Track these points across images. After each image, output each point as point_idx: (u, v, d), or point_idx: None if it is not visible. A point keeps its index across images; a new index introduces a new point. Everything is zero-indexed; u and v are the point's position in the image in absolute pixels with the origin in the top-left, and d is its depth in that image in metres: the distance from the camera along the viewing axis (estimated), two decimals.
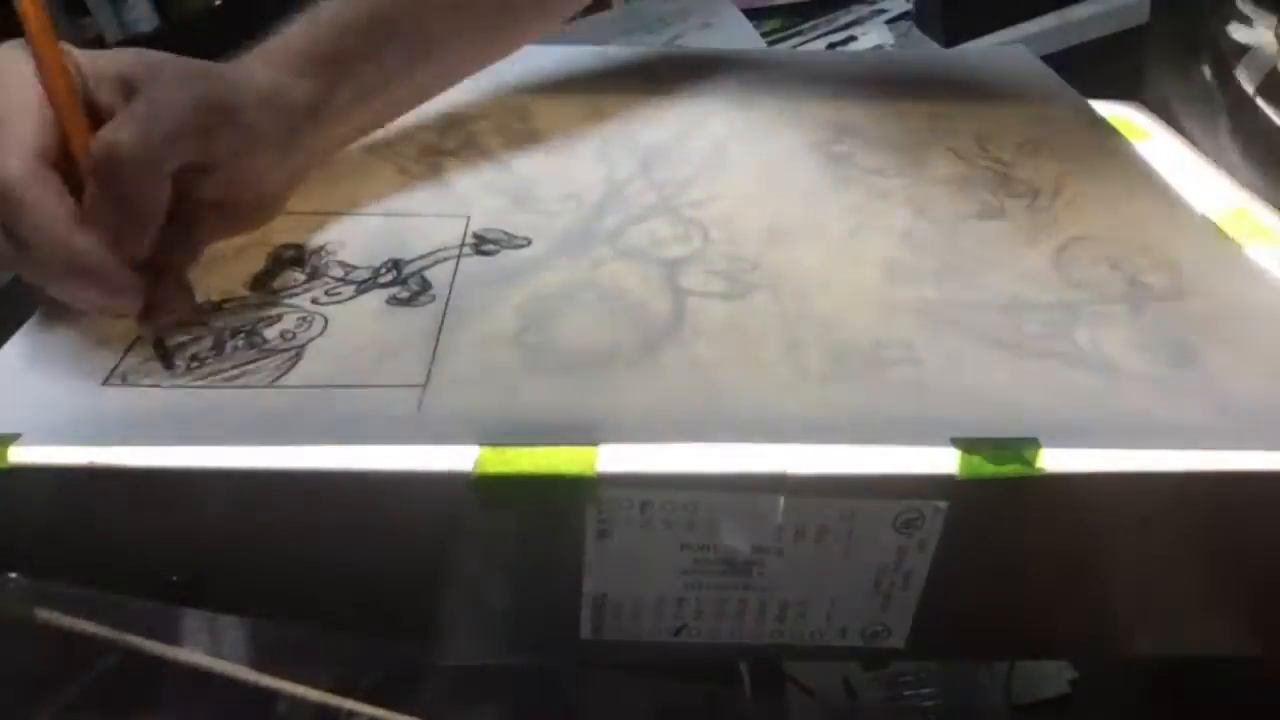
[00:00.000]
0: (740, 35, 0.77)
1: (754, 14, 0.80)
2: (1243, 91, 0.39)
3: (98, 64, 0.28)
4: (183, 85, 0.28)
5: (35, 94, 0.27)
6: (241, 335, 0.30)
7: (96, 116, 0.28)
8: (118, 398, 0.27)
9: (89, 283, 0.26)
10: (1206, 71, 0.42)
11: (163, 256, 0.28)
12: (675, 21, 0.78)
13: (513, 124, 0.44)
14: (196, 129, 0.28)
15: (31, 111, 0.26)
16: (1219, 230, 0.36)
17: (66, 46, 0.28)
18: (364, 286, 0.33)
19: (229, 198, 0.31)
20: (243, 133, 0.30)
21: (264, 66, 0.32)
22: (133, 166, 0.26)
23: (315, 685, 0.24)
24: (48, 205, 0.26)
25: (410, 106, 0.40)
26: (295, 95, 0.32)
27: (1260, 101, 0.39)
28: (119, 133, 0.26)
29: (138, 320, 0.28)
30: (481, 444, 0.25)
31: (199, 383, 0.28)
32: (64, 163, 0.27)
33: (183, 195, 0.29)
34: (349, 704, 0.24)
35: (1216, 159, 0.41)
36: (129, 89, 0.28)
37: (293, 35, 0.34)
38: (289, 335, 0.30)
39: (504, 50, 0.42)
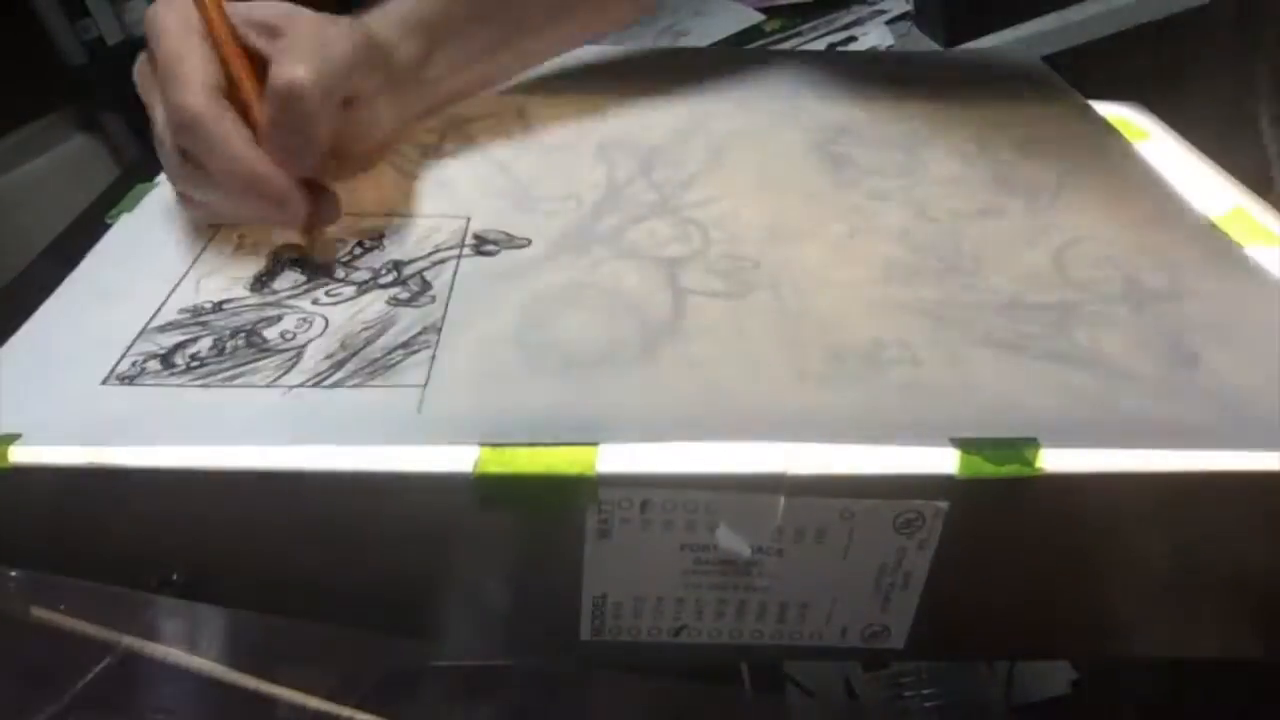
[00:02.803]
0: (736, 16, 0.76)
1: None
2: None
3: (239, 11, 0.32)
4: (330, 28, 0.32)
5: (200, 35, 0.31)
6: (242, 335, 0.30)
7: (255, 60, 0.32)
8: (118, 398, 0.27)
9: (264, 197, 0.30)
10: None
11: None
12: (666, 14, 0.78)
13: (512, 124, 0.44)
14: (357, 64, 0.32)
15: (199, 51, 0.30)
16: (1218, 230, 0.36)
17: None
18: (364, 287, 0.33)
19: (346, 143, 0.34)
20: (382, 75, 0.34)
21: (378, 23, 0.35)
22: (311, 97, 0.30)
23: (315, 685, 0.24)
24: (229, 132, 0.29)
25: (492, 84, 0.43)
26: (400, 54, 0.36)
27: None
28: (296, 67, 0.30)
29: (303, 230, 0.33)
30: (481, 444, 0.25)
31: (199, 383, 0.28)
32: (230, 93, 0.31)
33: None
34: (348, 712, 0.24)
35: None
36: (272, 32, 0.32)
37: (399, 1, 0.37)
38: (289, 335, 0.30)
39: (585, 38, 0.45)
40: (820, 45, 0.77)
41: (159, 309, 0.31)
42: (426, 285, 0.33)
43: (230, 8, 0.32)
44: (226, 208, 0.32)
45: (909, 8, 0.79)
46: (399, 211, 0.37)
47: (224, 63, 0.31)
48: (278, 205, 0.30)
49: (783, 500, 0.25)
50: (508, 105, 0.45)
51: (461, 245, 0.35)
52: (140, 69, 0.33)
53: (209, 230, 0.36)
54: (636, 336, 0.30)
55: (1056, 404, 0.27)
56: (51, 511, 0.26)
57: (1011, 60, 0.53)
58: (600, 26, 0.45)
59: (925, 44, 0.75)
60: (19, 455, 0.25)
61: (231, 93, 0.31)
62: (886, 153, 0.41)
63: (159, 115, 0.31)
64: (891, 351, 0.29)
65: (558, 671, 0.26)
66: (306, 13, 0.33)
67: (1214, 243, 0.35)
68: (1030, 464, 0.24)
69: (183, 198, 0.34)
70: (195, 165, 0.31)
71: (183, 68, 0.30)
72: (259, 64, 0.32)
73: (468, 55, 0.39)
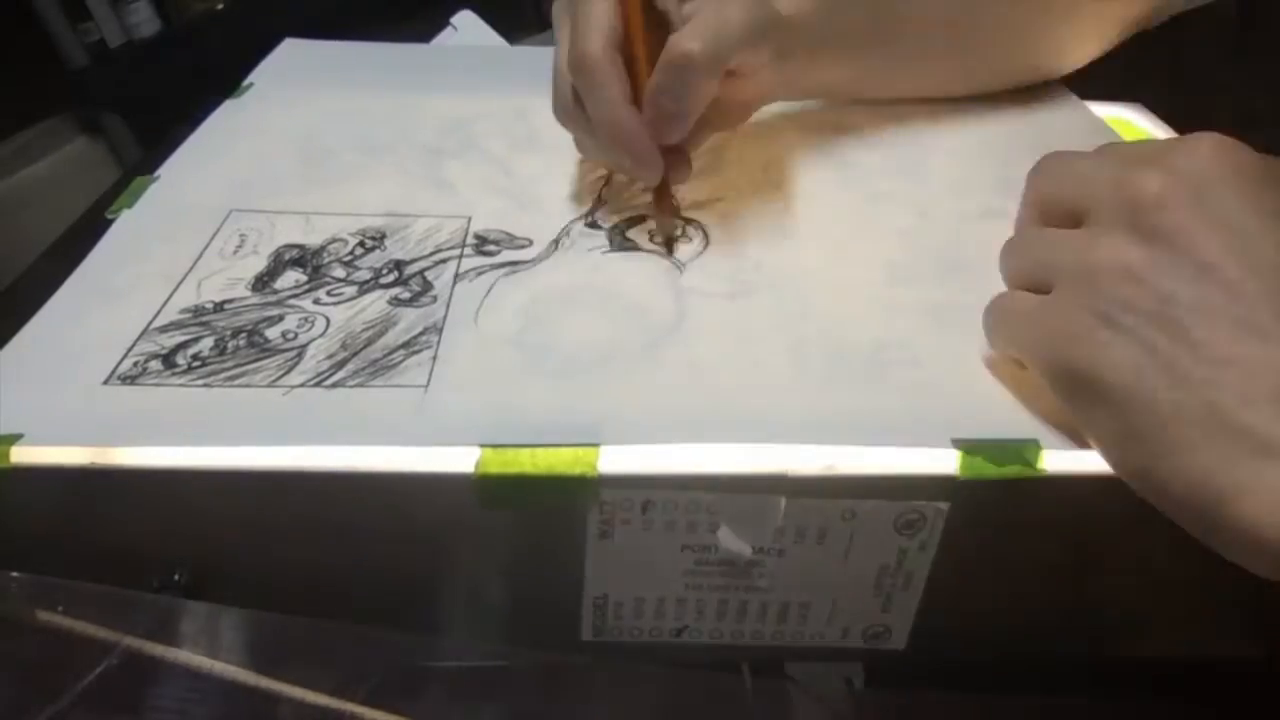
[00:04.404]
0: None
1: None
2: None
3: None
4: (733, 4, 0.33)
5: None
6: (243, 335, 0.30)
7: (651, 12, 0.34)
8: (118, 398, 0.27)
9: (627, 153, 0.33)
10: None
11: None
12: None
13: (513, 124, 0.44)
14: (751, 41, 0.33)
15: (607, 3, 0.32)
16: None
17: None
18: (366, 287, 0.33)
19: (716, 109, 0.35)
20: (772, 50, 0.35)
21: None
22: (697, 72, 0.31)
23: (316, 685, 0.24)
24: (613, 83, 0.32)
25: (868, 91, 0.44)
26: (800, 26, 0.37)
27: None
28: (692, 42, 0.31)
29: (655, 194, 0.35)
30: (482, 444, 0.25)
31: (199, 383, 0.28)
32: (625, 47, 0.33)
33: None
34: (350, 707, 0.24)
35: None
36: None
37: None
38: (290, 335, 0.30)
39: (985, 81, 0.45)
40: None
41: (160, 309, 0.31)
42: (428, 285, 0.33)
43: None
44: (596, 151, 0.36)
45: None
46: (400, 211, 0.37)
47: (625, 19, 0.33)
48: (636, 163, 0.33)
49: (784, 501, 0.25)
50: (508, 105, 0.45)
51: (463, 245, 0.35)
52: (559, 1, 0.36)
53: (209, 229, 0.36)
54: (637, 337, 0.30)
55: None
56: (53, 511, 0.26)
57: None
58: (998, 79, 0.45)
59: None
60: (21, 455, 0.25)
61: (628, 46, 0.33)
62: (888, 154, 0.41)
63: (563, 49, 0.34)
64: (893, 352, 0.29)
65: (558, 670, 0.26)
66: None
67: None
68: (1031, 465, 0.24)
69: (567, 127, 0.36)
70: (580, 105, 0.33)
71: (593, 11, 0.32)
72: (662, 20, 0.34)
73: (854, 52, 0.40)
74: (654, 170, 0.33)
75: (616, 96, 0.32)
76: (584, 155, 0.39)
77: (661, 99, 0.32)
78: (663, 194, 0.35)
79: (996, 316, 0.27)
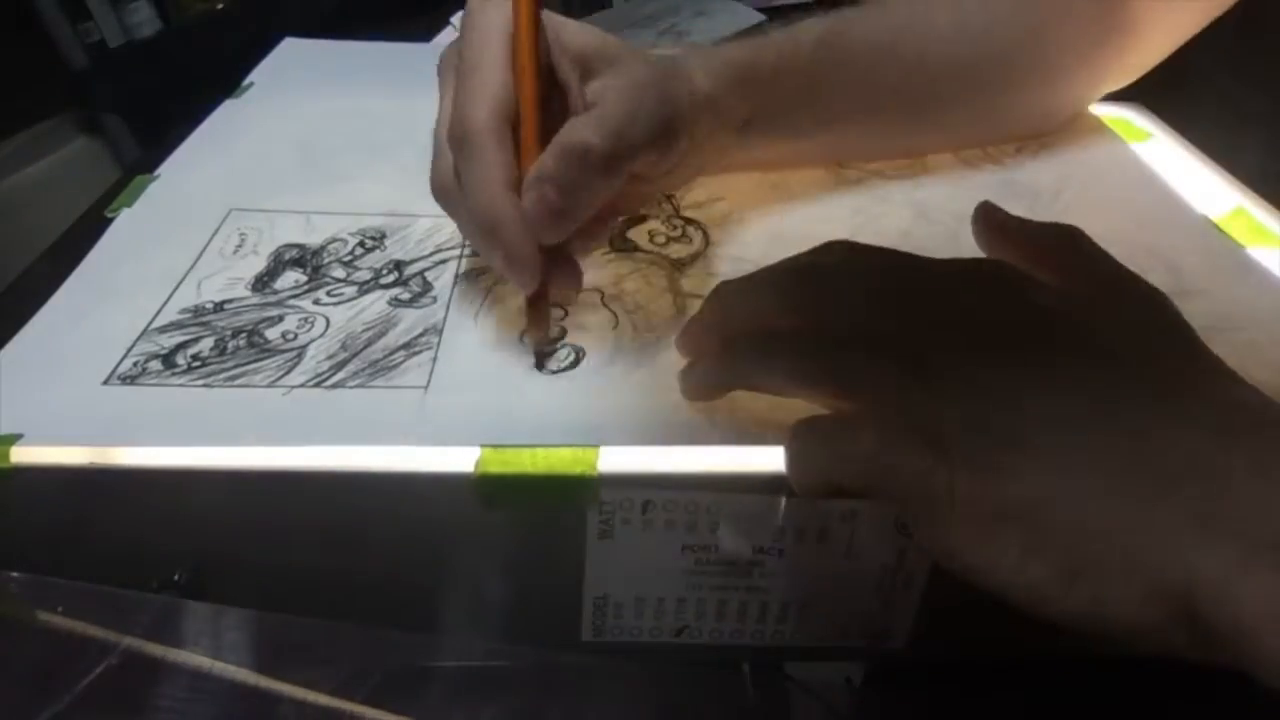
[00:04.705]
0: (737, 17, 0.76)
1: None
2: None
3: (561, 36, 0.29)
4: (646, 96, 0.29)
5: (505, 51, 0.28)
6: (243, 335, 0.30)
7: (553, 85, 0.29)
8: (118, 398, 0.27)
9: (498, 248, 0.27)
10: None
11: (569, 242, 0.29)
12: (668, 14, 0.78)
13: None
14: (656, 146, 0.29)
15: (500, 67, 0.27)
16: (1219, 231, 0.36)
17: (546, 14, 0.29)
18: (366, 287, 0.33)
19: (629, 195, 0.31)
20: (686, 147, 0.30)
21: (704, 75, 0.32)
22: (593, 170, 0.27)
23: (316, 685, 0.24)
24: (493, 163, 0.26)
25: (805, 163, 0.40)
26: (729, 114, 0.33)
27: None
28: (591, 135, 0.27)
29: (527, 299, 0.28)
30: (483, 444, 0.25)
31: (199, 383, 0.28)
32: (512, 122, 0.28)
33: None
34: (350, 707, 0.24)
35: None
36: (586, 70, 0.29)
37: (735, 50, 0.33)
38: (290, 336, 0.30)
39: (912, 151, 0.41)
40: None
41: (160, 309, 0.31)
42: (428, 286, 0.33)
43: (550, 26, 0.29)
44: (470, 240, 0.31)
45: None
46: (400, 212, 0.37)
47: (519, 88, 0.28)
48: (508, 262, 0.27)
49: (784, 501, 0.25)
50: None
51: (463, 246, 0.35)
52: (446, 55, 0.30)
53: (209, 229, 0.36)
54: (637, 337, 0.30)
55: None
56: (53, 511, 0.26)
57: None
58: (931, 147, 0.41)
59: None
60: (21, 455, 0.25)
61: (519, 121, 0.28)
62: None
63: (446, 108, 0.29)
64: None
65: (558, 670, 0.26)
66: (629, 56, 0.30)
67: (1214, 243, 0.35)
68: None
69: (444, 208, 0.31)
70: (456, 185, 0.28)
71: (479, 78, 0.27)
72: (563, 95, 0.29)
73: (795, 129, 0.36)
74: (527, 273, 0.27)
75: (496, 178, 0.26)
76: (469, 243, 0.34)
77: (545, 187, 0.26)
78: (537, 302, 0.28)
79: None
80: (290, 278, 0.33)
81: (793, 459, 0.23)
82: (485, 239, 0.27)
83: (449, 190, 0.29)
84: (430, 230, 0.36)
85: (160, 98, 0.93)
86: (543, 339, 0.29)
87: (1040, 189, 0.39)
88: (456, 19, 0.68)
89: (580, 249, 0.29)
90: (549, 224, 0.27)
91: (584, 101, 0.29)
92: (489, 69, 0.27)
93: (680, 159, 0.31)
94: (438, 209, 0.37)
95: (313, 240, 0.35)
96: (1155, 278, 0.32)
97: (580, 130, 0.27)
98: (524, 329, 0.30)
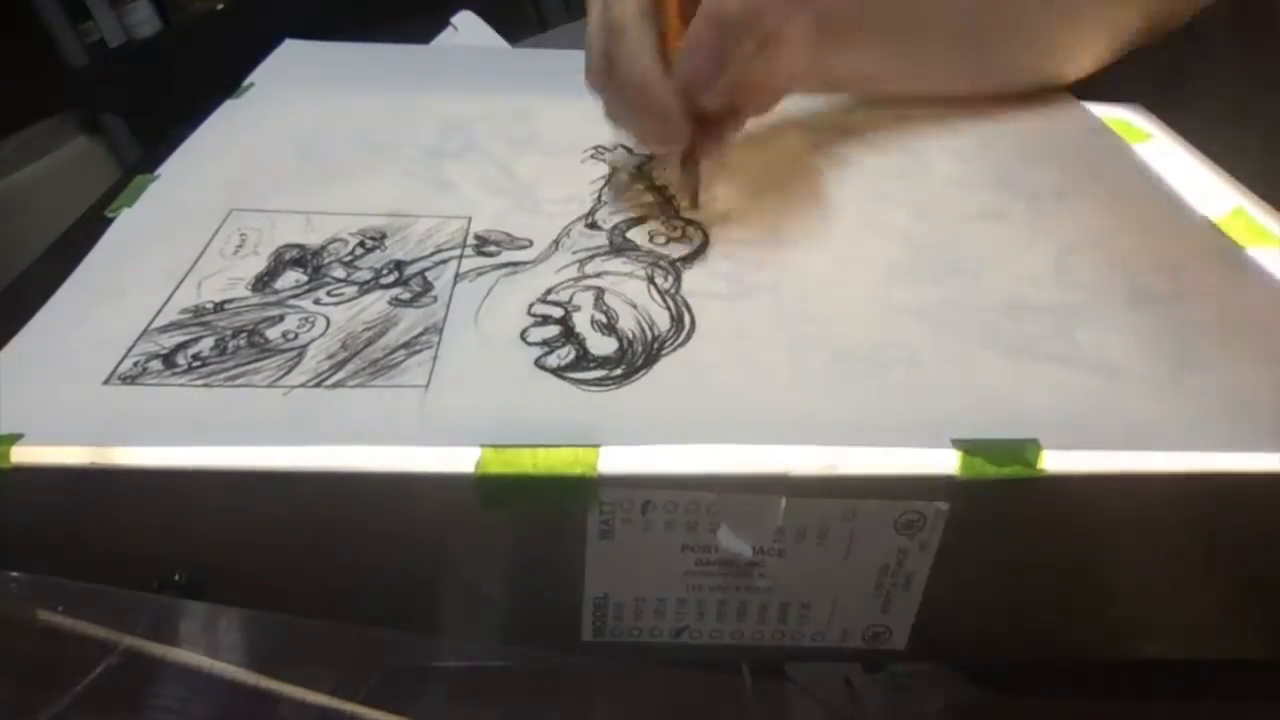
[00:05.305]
0: None
1: None
2: None
3: None
4: None
5: None
6: (243, 335, 0.30)
7: None
8: (120, 398, 0.27)
9: (654, 118, 0.32)
10: None
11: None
12: None
13: (513, 124, 0.44)
14: (788, 7, 0.32)
15: None
16: (1219, 232, 0.36)
17: None
18: (366, 287, 0.33)
19: (748, 85, 0.34)
20: (811, 19, 0.33)
21: None
22: (734, 29, 0.31)
23: (316, 685, 0.24)
24: (644, 46, 0.31)
25: (883, 86, 0.44)
26: (835, 13, 0.36)
27: None
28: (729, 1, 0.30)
29: (682, 159, 0.34)
30: (483, 445, 0.25)
31: (199, 383, 0.28)
32: (659, 12, 0.32)
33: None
34: (350, 707, 0.24)
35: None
36: None
37: None
38: (290, 335, 0.30)
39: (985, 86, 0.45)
40: None
41: (161, 309, 0.31)
42: (428, 285, 0.33)
43: None
44: (624, 118, 0.34)
45: None
46: (400, 211, 0.37)
47: None
48: (662, 124, 0.32)
49: (784, 501, 0.25)
50: (508, 106, 0.45)
51: (463, 245, 0.35)
52: None
53: (209, 229, 0.36)
54: (637, 337, 0.30)
55: (1058, 405, 0.27)
56: (53, 511, 0.26)
57: None
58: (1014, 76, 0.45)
59: None
60: (21, 455, 0.25)
61: (663, 11, 0.32)
62: (888, 154, 0.42)
63: (595, 11, 0.33)
64: (893, 353, 0.29)
65: (558, 670, 0.26)
66: None
67: (1215, 244, 0.35)
68: (1031, 465, 0.24)
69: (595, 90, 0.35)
70: (610, 68, 0.32)
71: None
72: None
73: (887, 41, 0.40)
74: (679, 134, 0.32)
75: (647, 53, 0.31)
76: (612, 123, 0.37)
77: (695, 57, 0.31)
78: (688, 164, 0.34)
79: None
80: (290, 278, 0.33)
81: None
82: (637, 105, 0.32)
83: (600, 73, 0.33)
84: (430, 230, 0.36)
85: (160, 98, 0.93)
86: (694, 201, 0.35)
87: (1040, 189, 0.39)
88: (457, 19, 0.68)
89: (724, 129, 0.34)
90: (701, 88, 0.31)
91: None
92: None
93: (804, 36, 0.33)
94: (438, 209, 0.37)
95: (313, 240, 0.35)
96: (1155, 278, 0.32)
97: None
98: (677, 189, 0.37)
